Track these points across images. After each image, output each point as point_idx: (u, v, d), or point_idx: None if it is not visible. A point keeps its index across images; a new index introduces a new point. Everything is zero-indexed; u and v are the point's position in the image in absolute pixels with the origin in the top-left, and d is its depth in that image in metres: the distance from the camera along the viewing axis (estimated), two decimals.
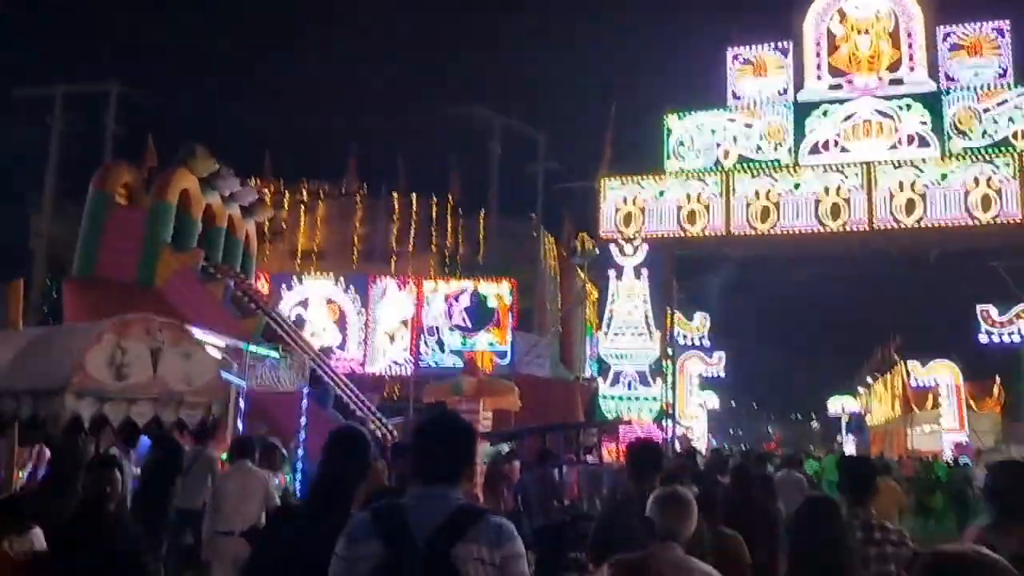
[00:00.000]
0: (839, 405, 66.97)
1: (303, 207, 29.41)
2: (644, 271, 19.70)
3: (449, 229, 29.43)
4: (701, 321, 32.87)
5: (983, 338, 23.73)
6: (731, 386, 53.95)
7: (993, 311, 23.91)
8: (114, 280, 16.79)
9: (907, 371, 43.19)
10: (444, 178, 29.74)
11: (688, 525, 3.11)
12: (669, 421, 19.93)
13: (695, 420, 38.89)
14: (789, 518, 4.50)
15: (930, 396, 42.23)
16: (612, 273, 19.87)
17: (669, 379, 20.55)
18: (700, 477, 6.93)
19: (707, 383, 41.19)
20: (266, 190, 29.02)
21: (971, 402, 41.36)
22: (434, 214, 29.39)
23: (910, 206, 18.07)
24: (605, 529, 4.06)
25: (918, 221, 18.05)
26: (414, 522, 2.32)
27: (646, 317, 19.56)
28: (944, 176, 18.05)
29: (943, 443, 38.64)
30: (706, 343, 33.88)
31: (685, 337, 32.96)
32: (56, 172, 28.00)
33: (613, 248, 19.91)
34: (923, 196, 18.07)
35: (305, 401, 13.88)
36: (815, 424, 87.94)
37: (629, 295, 19.68)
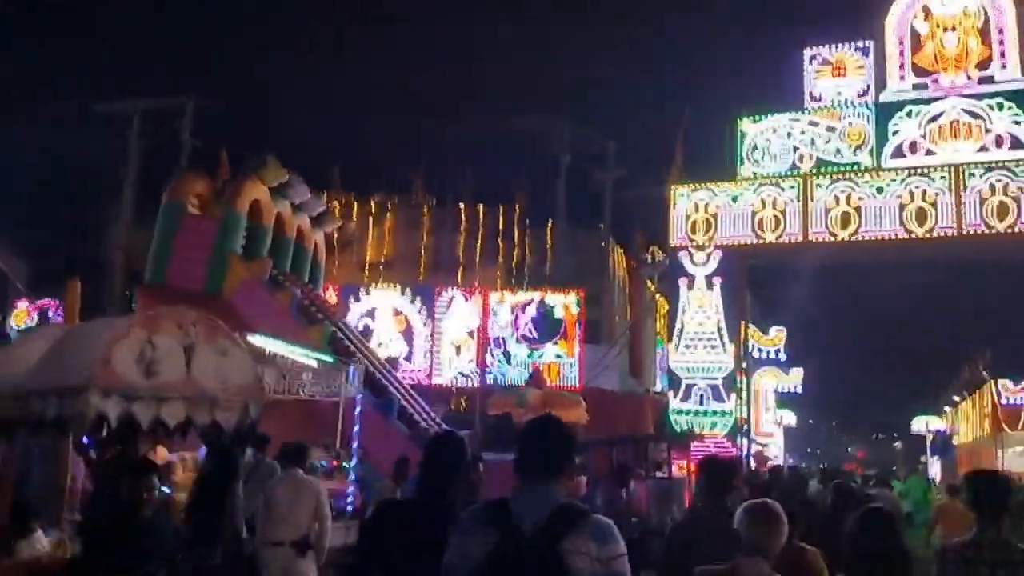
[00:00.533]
0: (923, 424, 64.26)
1: (371, 219, 29.56)
2: (716, 280, 19.01)
3: (516, 240, 29.17)
4: (778, 334, 31.76)
5: None
6: (810, 403, 52.16)
7: None
8: (183, 288, 17.00)
9: (997, 389, 41.17)
10: (511, 188, 29.54)
11: (778, 540, 3.06)
12: (743, 438, 19.13)
13: (771, 438, 37.61)
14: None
15: (1022, 415, 40.17)
16: (683, 283, 19.24)
17: (744, 394, 19.76)
18: (786, 494, 6.92)
19: (784, 399, 39.78)
20: (335, 202, 29.27)
21: None
22: (501, 225, 29.18)
23: (1002, 210, 17.01)
24: (678, 546, 3.98)
25: (1011, 227, 16.97)
26: (519, 516, 2.52)
27: (719, 328, 18.86)
28: None
29: None
30: (782, 357, 32.69)
31: (760, 351, 31.87)
32: (134, 185, 28.79)
33: (684, 256, 19.28)
34: (1016, 200, 17.00)
35: (359, 408, 13.69)
36: (898, 444, 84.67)
37: (701, 305, 19.01)
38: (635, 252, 32.32)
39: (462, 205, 29.12)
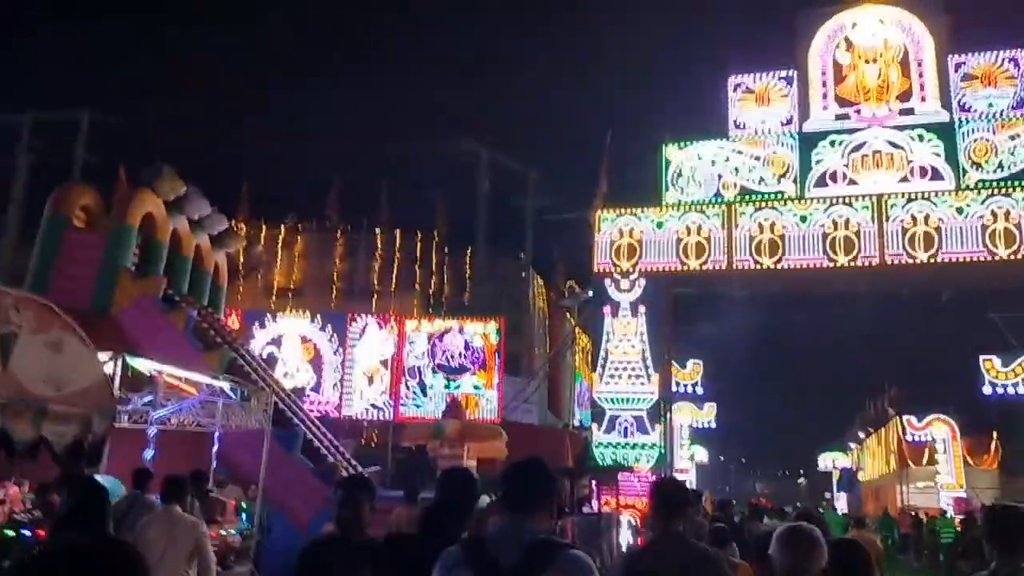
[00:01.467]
0: (830, 460, 65.57)
1: (281, 243, 28.14)
2: (641, 308, 18.42)
3: (434, 267, 28.19)
4: (695, 367, 31.63)
5: (987, 389, 22.54)
6: (720, 439, 52.53)
7: (996, 361, 22.89)
8: (67, 306, 15.38)
9: (903, 426, 42.07)
10: (429, 214, 28.67)
11: (817, 564, 3.01)
12: (667, 473, 18.44)
13: (684, 474, 37.37)
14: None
15: (926, 451, 41.06)
16: (607, 310, 18.58)
17: (666, 427, 19.16)
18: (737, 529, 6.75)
19: (697, 435, 39.75)
20: (242, 225, 27.78)
21: (968, 458, 40.30)
22: (419, 251, 28.18)
23: (927, 241, 17.00)
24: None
25: (932, 256, 16.96)
26: (499, 551, 2.60)
27: (643, 357, 18.23)
28: (960, 210, 17.02)
29: (940, 500, 37.33)
30: (699, 391, 32.56)
31: (677, 384, 31.66)
32: (20, 203, 26.65)
33: (608, 283, 18.66)
34: (938, 230, 17.02)
35: (267, 443, 12.42)
36: (802, 481, 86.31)
37: (625, 334, 18.36)
38: (556, 283, 31.77)
39: (378, 231, 28.03)
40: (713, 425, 37.48)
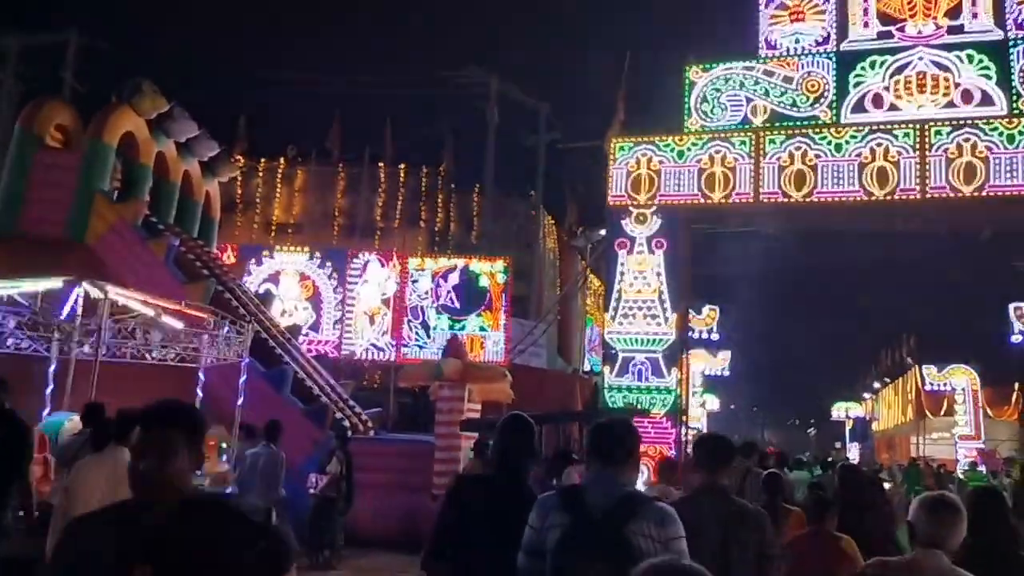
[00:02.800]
0: (843, 410, 64.69)
1: (280, 177, 26.84)
2: (659, 244, 17.13)
3: (440, 204, 26.85)
4: (710, 314, 30.43)
5: (1016, 338, 21.36)
6: (732, 386, 51.60)
7: None
8: (39, 235, 14.26)
9: (921, 375, 41.07)
10: (435, 148, 27.18)
11: (958, 533, 2.99)
12: (681, 422, 17.39)
13: (696, 422, 36.47)
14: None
15: (945, 401, 40.16)
16: (621, 246, 17.30)
17: (684, 370, 18.05)
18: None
19: (709, 382, 38.73)
20: (240, 157, 26.49)
21: (987, 409, 39.39)
22: (424, 187, 26.82)
23: (972, 173, 15.57)
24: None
25: (978, 190, 15.54)
26: (590, 501, 2.88)
27: (660, 296, 16.99)
28: (1011, 138, 15.54)
29: (957, 451, 36.39)
30: (714, 337, 31.39)
31: (692, 330, 30.56)
32: (5, 130, 25.37)
33: (623, 218, 17.33)
34: (985, 161, 15.57)
35: (244, 376, 11.37)
36: (812, 431, 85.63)
37: (641, 271, 17.10)
38: (568, 223, 30.43)
39: (381, 165, 26.63)
40: (727, 373, 36.41)
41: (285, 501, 10.13)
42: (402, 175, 26.71)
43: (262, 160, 26.51)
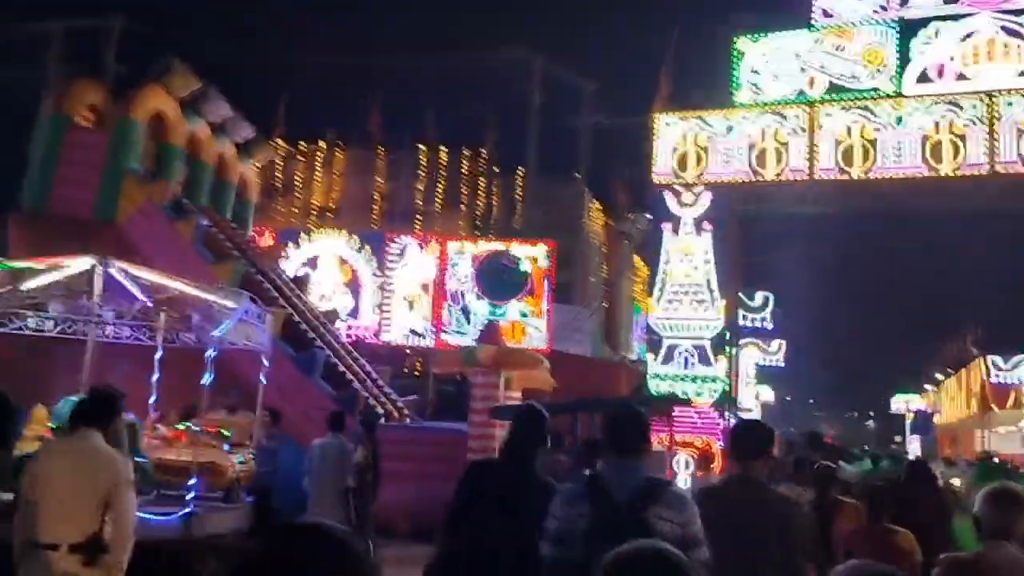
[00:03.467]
0: (903, 403, 62.57)
1: (320, 160, 26.52)
2: (706, 225, 16.28)
3: (482, 188, 26.24)
4: (763, 301, 29.37)
5: None
6: (788, 378, 50.14)
7: None
8: (68, 215, 14.05)
9: (987, 367, 39.36)
10: (477, 130, 26.55)
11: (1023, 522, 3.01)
12: (730, 411, 16.57)
13: (749, 413, 35.38)
14: None
15: (1012, 394, 38.41)
16: (667, 227, 16.49)
17: (732, 359, 17.23)
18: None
19: (763, 373, 37.57)
20: (279, 140, 26.25)
21: None
22: (465, 170, 26.24)
23: None
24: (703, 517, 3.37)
25: None
26: (613, 489, 3.05)
27: (707, 281, 16.15)
28: None
29: None
30: (768, 326, 30.31)
31: (744, 318, 29.51)
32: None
33: (669, 197, 16.51)
34: None
35: (268, 360, 10.91)
36: (871, 423, 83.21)
37: (687, 254, 16.27)
38: (615, 207, 29.57)
39: (422, 147, 26.10)
40: (781, 363, 35.21)
41: (353, 491, 9.87)
42: (443, 158, 26.16)
43: (301, 144, 26.22)
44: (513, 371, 13.82)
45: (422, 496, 12.62)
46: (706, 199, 16.38)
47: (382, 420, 14.95)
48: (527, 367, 13.85)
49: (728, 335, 16.27)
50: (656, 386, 15.91)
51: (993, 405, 40.96)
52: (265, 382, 11.21)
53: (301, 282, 19.21)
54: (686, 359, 15.92)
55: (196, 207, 15.64)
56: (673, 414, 14.96)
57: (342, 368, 15.22)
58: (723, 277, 16.30)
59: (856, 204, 17.40)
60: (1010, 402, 38.73)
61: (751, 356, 34.07)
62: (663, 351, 16.16)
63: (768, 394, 40.55)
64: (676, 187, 16.54)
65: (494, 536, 3.55)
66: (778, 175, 15.87)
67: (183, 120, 15.97)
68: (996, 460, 18.21)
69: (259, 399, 11.36)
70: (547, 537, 3.10)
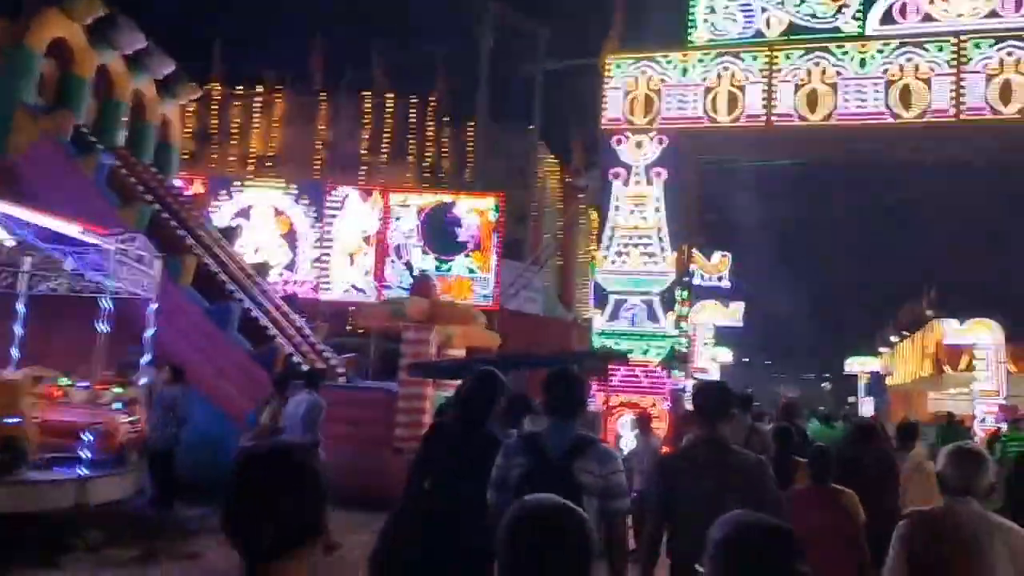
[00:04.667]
0: (857, 365, 62.94)
1: (258, 106, 25.03)
2: (659, 173, 15.32)
3: (430, 138, 25.00)
4: (722, 260, 28.62)
5: None
6: (746, 340, 49.83)
7: None
8: None
9: (941, 329, 39.35)
10: (426, 76, 25.18)
11: (984, 479, 3.20)
12: (682, 370, 15.79)
13: (706, 374, 34.83)
14: None
15: (965, 356, 38.48)
16: (616, 176, 15.51)
17: (685, 313, 16.45)
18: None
19: (722, 334, 37.02)
20: (215, 83, 24.73)
21: (1010, 364, 37.69)
22: (413, 119, 24.94)
23: (1013, 91, 13.63)
24: (665, 481, 3.83)
25: (1022, 111, 13.63)
26: (548, 445, 3.36)
27: (659, 232, 15.23)
28: None
29: (975, 407, 34.68)
30: (725, 284, 29.61)
31: (702, 278, 28.77)
32: None
33: (619, 143, 15.50)
34: None
35: (154, 306, 9.82)
36: (827, 385, 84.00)
37: (638, 203, 15.32)
38: (571, 161, 28.52)
39: (367, 94, 24.70)
40: (740, 325, 34.59)
41: (323, 445, 9.48)
42: (390, 105, 24.81)
43: (239, 88, 24.68)
44: (448, 327, 12.86)
45: (344, 461, 11.68)
46: (658, 146, 15.41)
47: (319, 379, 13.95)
48: (461, 322, 12.90)
49: (680, 290, 15.42)
50: (603, 345, 15.02)
51: (946, 367, 41.15)
52: (154, 331, 10.13)
53: (230, 233, 17.99)
54: (634, 315, 15.05)
55: (102, 145, 14.29)
56: (614, 372, 14.15)
57: (265, 323, 14.12)
58: (675, 230, 15.38)
59: (816, 153, 16.58)
60: (963, 364, 38.87)
61: (709, 317, 33.51)
62: (610, 307, 15.27)
63: (726, 355, 40.15)
64: (627, 133, 15.53)
65: (451, 492, 3.72)
66: (734, 120, 14.94)
67: (91, 50, 14.56)
68: (958, 420, 17.67)
69: (146, 350, 10.28)
70: (491, 484, 3.38)
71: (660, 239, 15.19)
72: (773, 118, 14.70)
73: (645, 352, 14.89)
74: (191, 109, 25.01)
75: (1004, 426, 26.71)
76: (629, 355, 13.75)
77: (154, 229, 13.29)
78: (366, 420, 12.08)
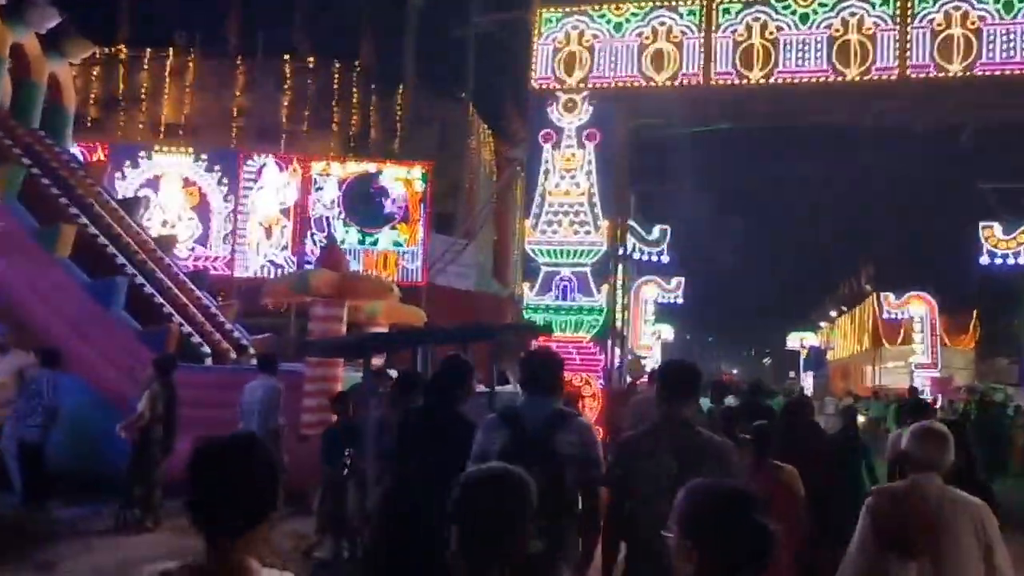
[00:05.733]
0: (798, 340, 63.46)
1: (169, 71, 23.35)
2: (590, 136, 14.33)
3: (355, 105, 23.62)
4: (660, 232, 27.91)
5: (984, 260, 19.44)
6: (686, 316, 49.58)
7: (997, 229, 19.68)
8: None
9: (879, 303, 39.58)
10: (350, 40, 23.74)
11: (947, 457, 3.33)
12: (617, 342, 14.95)
13: (649, 351, 34.32)
14: None
15: (902, 330, 38.81)
16: (546, 139, 14.48)
17: (620, 285, 15.60)
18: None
19: (663, 310, 36.54)
20: (122, 47, 23.00)
21: (944, 337, 38.15)
22: (337, 85, 23.53)
23: (958, 47, 12.97)
24: (624, 462, 3.70)
25: (967, 68, 12.98)
26: (527, 419, 3.56)
27: (590, 199, 14.26)
28: (1009, 7, 12.93)
29: (914, 380, 34.88)
30: (665, 259, 28.94)
31: (642, 252, 28.02)
32: None
33: (549, 105, 14.46)
34: (977, 33, 12.97)
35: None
36: (767, 360, 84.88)
37: (568, 169, 14.33)
38: (505, 131, 27.39)
39: (287, 58, 23.21)
40: (680, 300, 34.08)
41: (283, 431, 9.31)
42: (312, 70, 23.35)
43: (148, 50, 22.96)
44: (372, 303, 11.72)
45: None
46: (590, 107, 14.41)
47: (208, 361, 12.75)
48: (374, 295, 11.76)
49: (616, 263, 14.52)
50: (532, 320, 14.04)
51: (885, 341, 41.45)
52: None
53: (133, 203, 16.53)
54: (565, 288, 14.08)
55: None
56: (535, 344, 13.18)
57: (161, 300, 12.79)
58: (608, 197, 14.44)
59: (757, 113, 15.77)
60: (900, 338, 39.18)
61: (649, 293, 32.93)
62: (540, 280, 14.28)
63: (668, 332, 39.70)
64: (558, 93, 14.49)
65: (427, 473, 3.83)
66: (671, 79, 14.00)
67: None
68: (921, 398, 17.18)
69: None
70: (471, 458, 3.53)
71: (592, 207, 14.22)
72: (712, 77, 13.81)
73: (578, 326, 13.96)
74: (96, 74, 23.24)
75: (939, 398, 26.73)
76: (552, 329, 12.77)
77: (30, 196, 11.88)
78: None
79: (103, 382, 10.72)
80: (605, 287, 14.22)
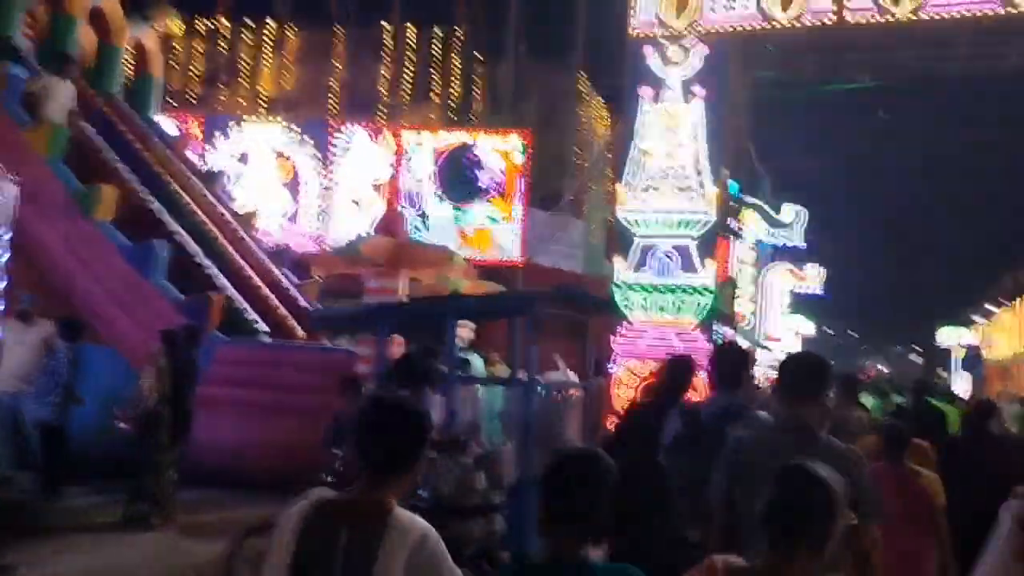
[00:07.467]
0: (951, 336, 58.02)
1: (269, 42, 22.83)
2: (697, 90, 12.33)
3: (456, 74, 22.37)
4: (794, 216, 25.22)
5: None
6: (827, 308, 45.65)
7: None
8: None
9: None
10: (450, 5, 22.49)
11: None
12: (722, 328, 12.94)
13: (777, 345, 31.34)
14: None
15: None
16: (645, 93, 12.59)
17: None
18: None
19: (799, 302, 33.26)
20: (222, 19, 22.65)
21: None
22: (437, 53, 22.34)
23: None
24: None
25: None
26: (705, 413, 4.11)
27: (696, 163, 12.26)
28: None
29: None
30: (800, 245, 26.20)
31: (771, 235, 25.53)
32: None
33: (650, 53, 12.55)
34: None
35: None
36: (914, 357, 78.71)
37: (671, 126, 12.36)
38: (620, 101, 25.46)
39: (387, 26, 22.21)
40: (819, 292, 30.74)
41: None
42: (411, 38, 22.26)
43: (248, 21, 22.54)
44: (417, 272, 10.31)
45: (282, 436, 9.38)
46: (699, 55, 12.40)
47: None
48: (434, 266, 10.31)
49: (720, 230, 12.53)
50: (624, 299, 12.22)
51: None
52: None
53: (213, 176, 15.89)
54: (665, 264, 12.17)
55: (26, 56, 12.14)
56: (630, 333, 11.43)
57: (215, 272, 11.84)
58: (718, 159, 12.43)
59: (901, 64, 13.28)
60: None
61: (784, 282, 30.03)
62: (635, 254, 12.43)
63: (808, 327, 36.46)
64: (660, 40, 12.57)
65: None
66: (796, 18, 11.82)
67: None
68: None
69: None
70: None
71: (698, 171, 12.22)
72: (845, 12, 11.53)
73: (678, 309, 12.03)
74: (200, 49, 23.04)
75: None
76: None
77: (75, 155, 11.15)
78: (312, 387, 9.70)
79: (142, 358, 9.82)
80: (710, 262, 12.22)
